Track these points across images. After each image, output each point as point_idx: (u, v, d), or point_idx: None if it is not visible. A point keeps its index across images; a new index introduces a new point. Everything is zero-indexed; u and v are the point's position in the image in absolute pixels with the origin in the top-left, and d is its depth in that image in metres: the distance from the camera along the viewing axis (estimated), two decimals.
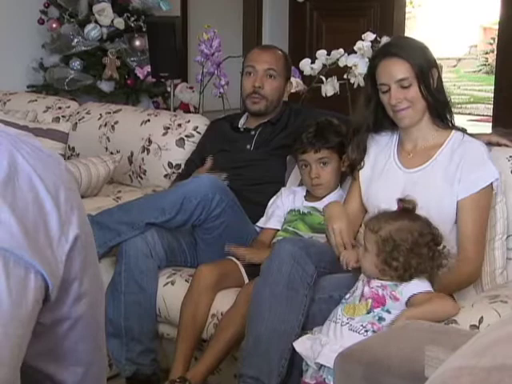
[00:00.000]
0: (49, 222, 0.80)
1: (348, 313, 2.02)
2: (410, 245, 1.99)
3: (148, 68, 4.29)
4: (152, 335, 2.52)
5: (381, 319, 1.99)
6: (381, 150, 2.40)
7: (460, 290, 2.22)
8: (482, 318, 1.94)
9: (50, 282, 0.79)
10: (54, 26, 4.72)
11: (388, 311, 1.99)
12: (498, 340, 0.66)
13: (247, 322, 2.15)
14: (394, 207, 2.09)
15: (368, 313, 2.00)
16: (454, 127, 2.33)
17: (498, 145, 2.41)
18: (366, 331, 1.98)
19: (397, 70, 2.23)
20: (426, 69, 2.25)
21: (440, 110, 2.31)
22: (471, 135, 2.34)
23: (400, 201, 2.09)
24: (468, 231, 2.21)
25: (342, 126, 2.59)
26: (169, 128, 3.33)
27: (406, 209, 2.06)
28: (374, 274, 2.04)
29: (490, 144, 2.37)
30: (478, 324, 1.93)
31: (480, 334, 0.73)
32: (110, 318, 2.43)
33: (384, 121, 2.37)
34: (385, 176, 2.34)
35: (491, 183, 2.24)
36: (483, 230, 2.25)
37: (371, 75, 2.32)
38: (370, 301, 2.01)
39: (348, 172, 2.51)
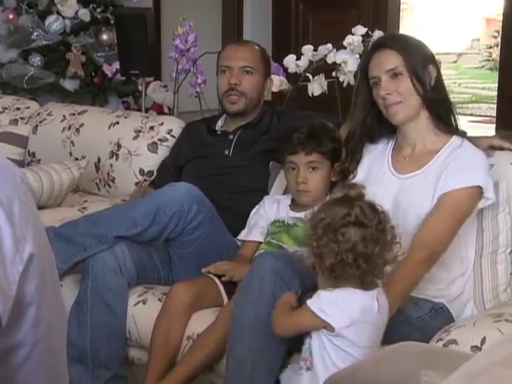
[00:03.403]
0: (2, 239, 0.79)
1: None
2: (323, 228, 1.89)
3: (117, 65, 4.29)
4: (121, 360, 2.51)
5: (308, 351, 1.95)
6: (375, 158, 2.43)
7: (414, 283, 2.16)
8: (484, 338, 1.92)
9: (1, 305, 0.78)
10: (11, 17, 4.72)
11: (310, 336, 1.95)
12: (494, 363, 0.67)
13: (228, 344, 2.14)
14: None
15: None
16: (455, 132, 2.35)
17: (501, 149, 2.43)
18: (300, 368, 1.95)
19: (387, 61, 2.29)
20: (420, 63, 2.29)
21: (441, 110, 2.33)
22: (472, 140, 2.34)
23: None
24: (432, 223, 2.18)
25: (337, 131, 2.61)
26: (140, 131, 3.33)
27: (347, 195, 2.01)
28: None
29: (492, 148, 2.38)
30: (479, 345, 1.91)
31: (477, 355, 0.74)
32: (75, 341, 2.42)
33: (381, 129, 2.40)
34: (378, 182, 2.36)
35: (478, 188, 2.22)
36: (449, 232, 2.20)
37: (366, 75, 2.35)
38: None
39: (339, 181, 2.53)
